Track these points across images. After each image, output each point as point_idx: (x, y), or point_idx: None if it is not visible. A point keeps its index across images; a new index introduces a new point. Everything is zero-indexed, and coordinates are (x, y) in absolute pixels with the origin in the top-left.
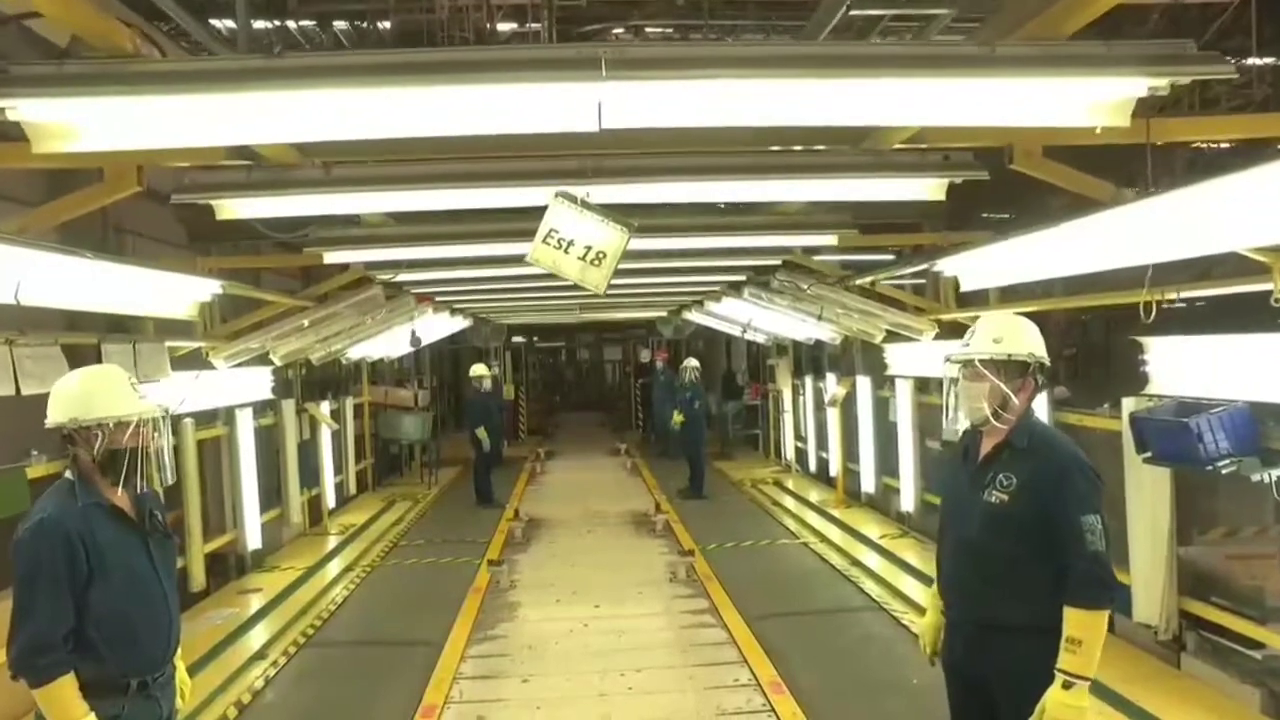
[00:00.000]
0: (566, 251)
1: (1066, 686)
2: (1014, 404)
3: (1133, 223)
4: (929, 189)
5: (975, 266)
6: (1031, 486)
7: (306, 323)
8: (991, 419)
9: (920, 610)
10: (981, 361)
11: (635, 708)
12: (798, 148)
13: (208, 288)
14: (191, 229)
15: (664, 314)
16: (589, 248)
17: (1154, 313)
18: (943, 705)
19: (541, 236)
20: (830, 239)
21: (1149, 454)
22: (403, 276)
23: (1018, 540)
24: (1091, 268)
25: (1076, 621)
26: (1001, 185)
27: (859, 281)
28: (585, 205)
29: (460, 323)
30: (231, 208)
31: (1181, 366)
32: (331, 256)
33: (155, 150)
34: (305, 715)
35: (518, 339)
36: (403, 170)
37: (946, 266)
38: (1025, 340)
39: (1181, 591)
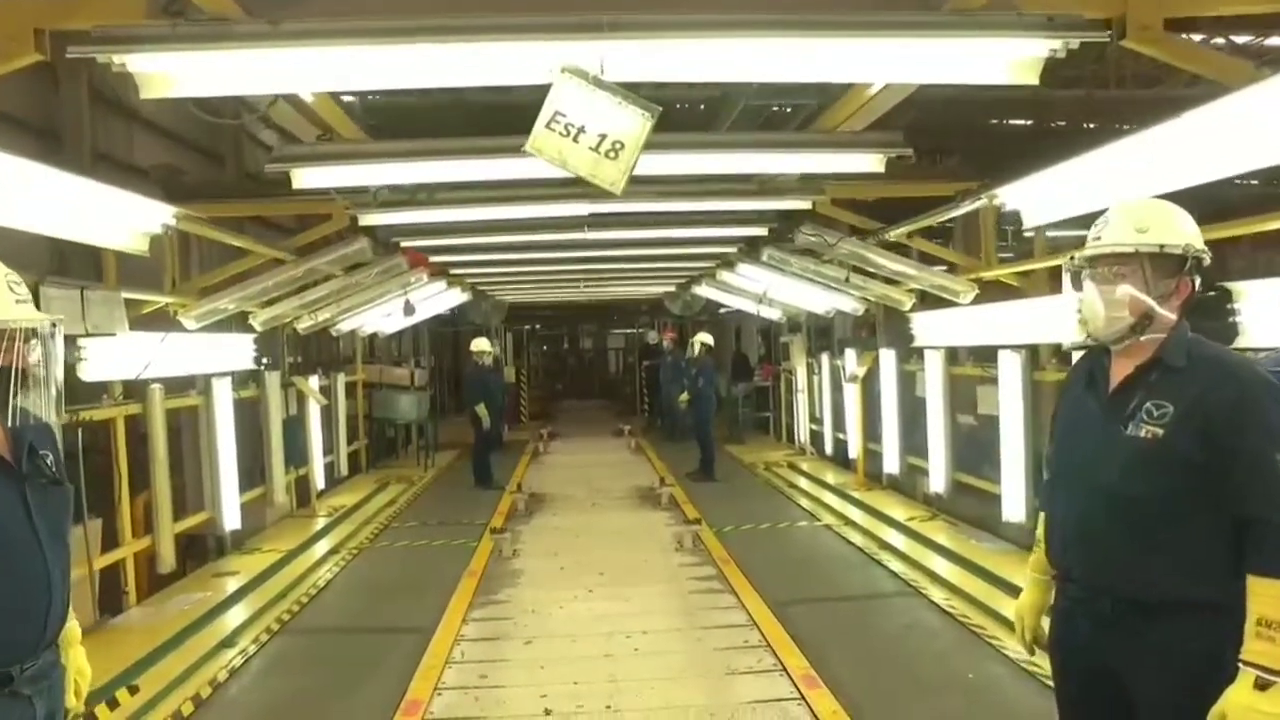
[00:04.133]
0: (576, 140)
1: (1261, 687)
2: (1163, 313)
3: None
4: (1021, 66)
5: (1050, 193)
6: (1197, 416)
7: (300, 271)
8: (1131, 332)
9: (965, 597)
10: (1120, 257)
11: (642, 668)
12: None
13: (155, 216)
14: (168, 190)
15: (672, 289)
16: (603, 136)
17: None
18: (1010, 706)
19: (545, 121)
20: (876, 161)
21: None
22: (386, 219)
23: (1178, 487)
24: (1215, 174)
25: (1271, 597)
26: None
27: (896, 231)
28: (598, 83)
29: (458, 296)
30: (151, 75)
31: None
32: (301, 176)
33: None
34: (270, 711)
35: (520, 326)
36: (367, 24)
37: (1010, 197)
38: (1180, 228)
39: None
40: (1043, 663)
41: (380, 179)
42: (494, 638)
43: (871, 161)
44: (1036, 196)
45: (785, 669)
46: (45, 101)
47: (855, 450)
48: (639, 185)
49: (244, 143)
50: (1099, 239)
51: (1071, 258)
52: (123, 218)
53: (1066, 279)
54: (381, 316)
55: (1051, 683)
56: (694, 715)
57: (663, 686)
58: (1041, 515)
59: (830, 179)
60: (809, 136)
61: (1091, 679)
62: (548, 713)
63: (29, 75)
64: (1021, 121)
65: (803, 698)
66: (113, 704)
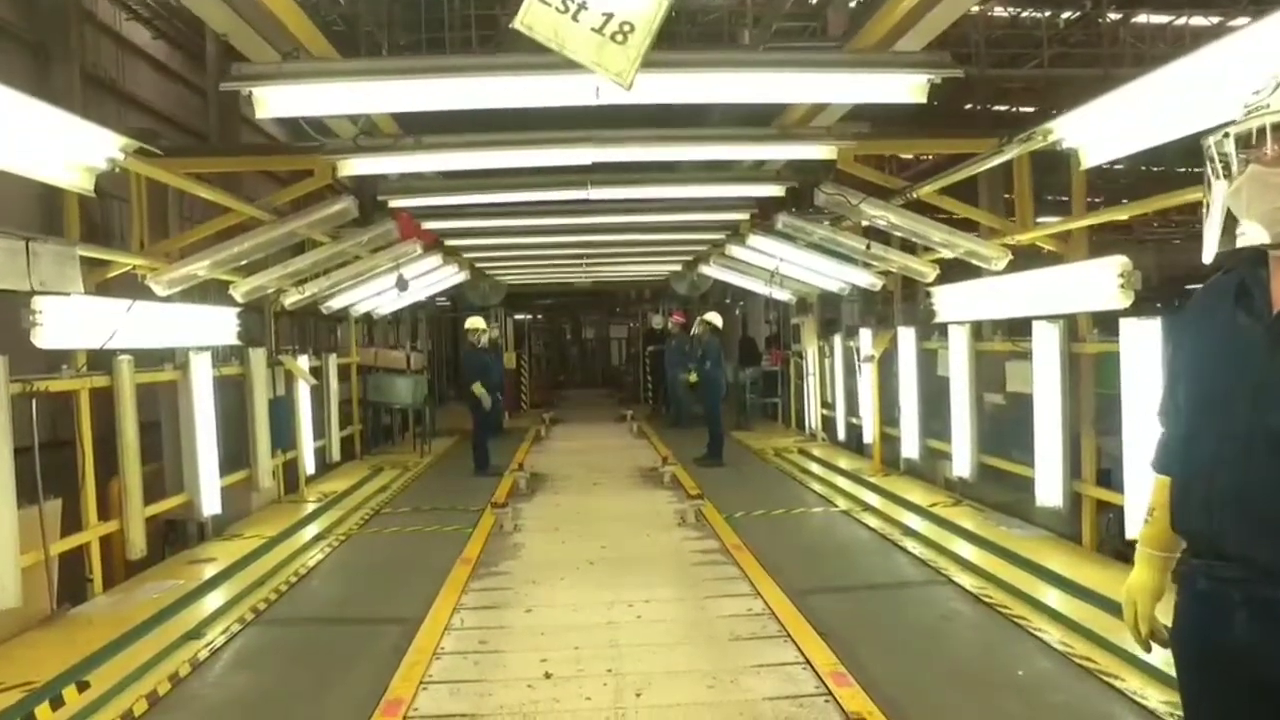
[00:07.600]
0: (576, 18)
1: None
2: None
3: None
4: None
5: (1128, 116)
6: None
7: (279, 233)
8: None
9: (1002, 585)
10: None
11: (645, 634)
12: None
13: (98, 147)
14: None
15: (678, 268)
16: (609, 15)
17: None
18: (1067, 708)
19: None
20: (918, 89)
21: None
22: (370, 165)
23: None
24: None
25: None
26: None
27: (925, 188)
28: None
29: (455, 274)
30: None
31: None
32: (264, 102)
33: None
34: (236, 706)
35: (521, 316)
36: None
37: (1069, 130)
38: None
39: None
40: (1100, 659)
41: (356, 105)
42: (494, 606)
43: (912, 89)
44: (1105, 119)
45: (793, 639)
46: (36, 82)
47: (871, 435)
48: (648, 125)
49: (230, 121)
50: (1267, 106)
51: (1226, 135)
52: (58, 143)
53: (1208, 169)
54: (374, 294)
55: (1114, 682)
56: (697, 679)
57: (665, 652)
58: (1158, 478)
59: (863, 111)
60: (844, 56)
61: (1250, 685)
62: (548, 676)
63: (21, 55)
64: (1029, 109)
65: (808, 662)
66: (56, 703)
